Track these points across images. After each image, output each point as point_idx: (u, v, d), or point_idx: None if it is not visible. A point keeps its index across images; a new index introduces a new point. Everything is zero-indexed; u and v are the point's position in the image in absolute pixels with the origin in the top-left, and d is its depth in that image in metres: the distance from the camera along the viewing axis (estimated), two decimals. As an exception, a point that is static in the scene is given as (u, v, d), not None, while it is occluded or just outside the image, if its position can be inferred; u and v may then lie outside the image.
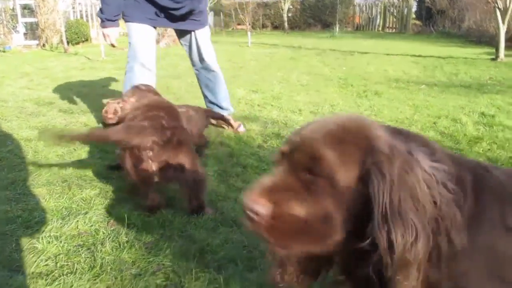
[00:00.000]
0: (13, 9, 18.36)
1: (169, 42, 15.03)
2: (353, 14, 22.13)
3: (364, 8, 22.37)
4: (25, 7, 18.59)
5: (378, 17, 21.04)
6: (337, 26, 19.40)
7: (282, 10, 21.73)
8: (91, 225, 2.54)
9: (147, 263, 2.20)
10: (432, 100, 6.71)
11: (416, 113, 6.03)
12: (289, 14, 22.44)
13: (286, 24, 21.74)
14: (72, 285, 1.97)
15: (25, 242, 2.32)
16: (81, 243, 2.35)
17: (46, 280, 1.99)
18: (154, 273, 2.13)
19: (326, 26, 21.70)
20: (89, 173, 3.46)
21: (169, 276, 2.11)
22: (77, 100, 6.58)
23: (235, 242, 2.55)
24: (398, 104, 6.51)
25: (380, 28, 20.57)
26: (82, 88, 7.63)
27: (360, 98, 6.93)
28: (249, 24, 18.52)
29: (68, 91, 7.40)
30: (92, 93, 7.21)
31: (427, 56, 10.33)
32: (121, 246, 2.32)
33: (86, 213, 2.70)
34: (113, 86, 7.76)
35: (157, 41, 14.92)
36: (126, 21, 4.46)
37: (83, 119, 5.41)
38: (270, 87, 7.65)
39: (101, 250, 2.26)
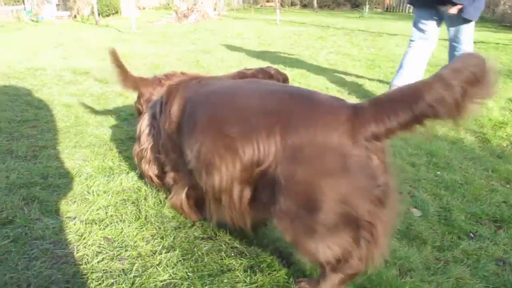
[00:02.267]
0: (46, -20, 18.66)
1: (198, 17, 15.14)
2: (384, -5, 21.84)
3: (395, -11, 22.03)
4: (58, -22, 18.85)
5: (409, -2, 20.73)
6: (367, 6, 19.19)
7: (312, -12, 21.62)
8: (134, 183, 2.78)
9: (185, 218, 2.42)
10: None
11: (442, 95, 6.09)
12: (319, -7, 22.30)
13: (315, 3, 21.57)
14: (122, 231, 2.22)
15: (77, 194, 2.58)
16: (126, 198, 2.59)
17: (99, 226, 2.25)
18: (192, 226, 2.36)
19: (356, 6, 21.45)
20: (127, 136, 3.69)
21: (206, 230, 2.34)
22: (112, 70, 6.82)
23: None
24: (424, 86, 6.57)
25: (411, 10, 20.24)
26: (115, 60, 7.86)
27: (388, 79, 7.00)
28: (278, 2, 18.46)
29: (102, 62, 7.65)
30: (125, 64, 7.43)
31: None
32: (162, 202, 2.55)
33: (128, 172, 2.94)
34: (144, 59, 7.97)
35: (186, 16, 15.10)
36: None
37: (118, 89, 5.64)
38: (298, 64, 7.77)
39: (144, 204, 2.50)
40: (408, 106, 1.48)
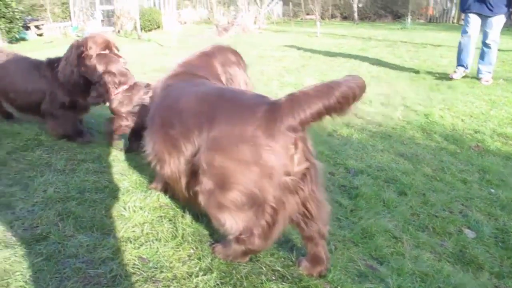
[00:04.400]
0: (92, -3, 19.25)
1: (239, 31, 15.20)
2: (427, 5, 21.24)
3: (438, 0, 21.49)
4: (102, -5, 19.43)
5: (454, 8, 20.12)
6: (409, 17, 18.77)
7: (352, 0, 21.30)
8: (171, 199, 2.68)
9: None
10: (511, 96, 6.41)
11: (492, 109, 5.81)
12: (360, 5, 21.93)
13: (355, 15, 21.27)
14: (158, 251, 2.11)
15: (114, 209, 2.50)
16: (163, 214, 2.49)
17: (134, 244, 2.15)
18: (231, 246, 2.23)
19: (397, 17, 21.04)
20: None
21: (245, 250, 2.20)
22: (153, 83, 6.85)
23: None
24: (473, 99, 6.29)
25: (455, 20, 19.65)
26: (155, 73, 7.92)
27: (432, 92, 6.75)
28: (318, 14, 18.34)
29: (142, 75, 7.71)
30: (165, 77, 7.46)
31: (506, 50, 9.81)
32: (199, 219, 2.44)
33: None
34: (185, 72, 7.98)
35: (226, 30, 15.18)
36: None
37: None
38: (339, 76, 7.55)
39: (181, 222, 2.39)
40: (321, 101, 1.76)
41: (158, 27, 18.75)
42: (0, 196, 2.62)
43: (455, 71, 7.53)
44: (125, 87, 3.54)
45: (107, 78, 3.49)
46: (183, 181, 2.19)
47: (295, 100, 1.81)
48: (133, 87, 3.57)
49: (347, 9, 23.22)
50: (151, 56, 10.53)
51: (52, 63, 3.82)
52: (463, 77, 7.49)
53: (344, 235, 2.67)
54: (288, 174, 1.83)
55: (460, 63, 7.50)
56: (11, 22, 14.63)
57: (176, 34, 13.04)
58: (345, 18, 23.44)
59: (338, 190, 3.40)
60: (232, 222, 1.94)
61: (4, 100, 4.01)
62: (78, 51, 3.62)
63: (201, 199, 2.01)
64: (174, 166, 2.18)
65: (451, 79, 7.42)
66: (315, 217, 2.00)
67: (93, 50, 3.59)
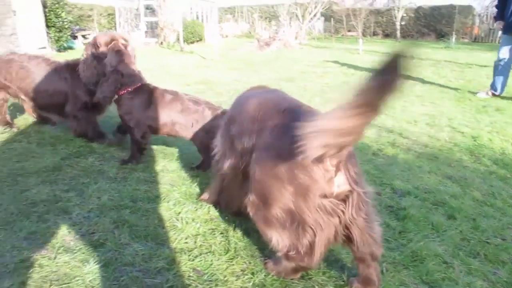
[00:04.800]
0: (137, 9, 19.81)
1: (280, 45, 15.29)
2: (472, 25, 20.88)
3: (484, 19, 21.06)
4: (147, 7, 19.98)
5: (499, 29, 19.74)
6: (453, 36, 18.48)
7: (395, 18, 21.17)
8: (222, 212, 2.70)
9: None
10: None
11: (544, 133, 5.62)
12: (402, 23, 21.77)
13: (398, 33, 21.12)
14: (212, 264, 2.12)
15: (166, 220, 2.54)
16: (214, 227, 2.51)
17: (189, 256, 2.17)
18: (282, 262, 2.22)
19: (441, 36, 20.77)
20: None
21: (297, 266, 2.19)
22: (196, 95, 6.95)
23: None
24: (523, 122, 6.10)
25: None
26: (199, 85, 8.05)
27: (479, 114, 6.58)
28: (360, 31, 18.29)
29: (186, 87, 7.85)
30: (208, 90, 7.57)
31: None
32: (251, 234, 2.44)
33: (215, 200, 2.87)
34: (227, 85, 8.08)
35: (268, 44, 15.29)
36: None
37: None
38: (382, 95, 7.51)
39: (233, 236, 2.41)
40: None
41: (200, 39, 19.08)
42: (58, 201, 2.71)
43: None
44: (129, 89, 3.52)
45: (113, 77, 3.49)
46: (238, 179, 2.25)
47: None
48: (139, 89, 3.55)
49: (389, 26, 23.09)
50: (194, 68, 10.70)
51: (71, 65, 4.05)
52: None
53: (394, 257, 2.62)
54: (325, 196, 1.79)
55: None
56: (60, 31, 15.18)
57: (218, 47, 13.21)
58: (387, 35, 23.31)
59: (385, 211, 3.34)
60: (278, 238, 1.94)
61: (28, 100, 4.22)
62: (92, 51, 3.83)
63: (250, 211, 2.04)
64: (231, 163, 2.27)
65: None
66: (363, 240, 1.95)
67: (102, 47, 3.76)
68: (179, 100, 3.58)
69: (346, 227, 1.90)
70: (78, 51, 15.60)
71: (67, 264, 2.03)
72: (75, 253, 2.13)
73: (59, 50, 15.01)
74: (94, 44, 3.82)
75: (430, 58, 13.08)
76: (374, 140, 4.99)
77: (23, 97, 4.22)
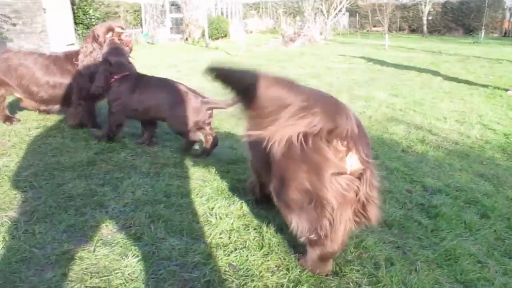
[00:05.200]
0: (162, 6, 19.97)
1: (305, 41, 15.23)
2: (502, 19, 20.38)
3: (515, 13, 20.57)
4: (172, 3, 20.11)
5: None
6: (482, 31, 18.10)
7: (422, 13, 20.83)
8: (253, 208, 2.72)
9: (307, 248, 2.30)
10: None
11: None
12: (429, 17, 21.41)
13: (425, 28, 20.78)
14: (247, 259, 2.15)
15: (200, 215, 2.57)
16: (248, 223, 2.54)
17: (224, 251, 2.20)
18: (316, 259, 2.23)
19: (469, 31, 20.35)
20: (241, 158, 3.67)
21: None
22: (223, 91, 6.98)
23: (387, 242, 2.58)
24: (557, 120, 5.96)
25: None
26: (226, 81, 8.07)
27: (511, 110, 6.45)
28: (386, 27, 18.07)
29: (212, 83, 7.87)
30: (235, 86, 7.58)
31: None
32: (284, 230, 2.46)
33: (246, 195, 2.89)
34: (255, 81, 8.08)
35: (293, 40, 15.24)
36: None
37: (230, 109, 5.72)
38: (410, 92, 7.43)
39: (267, 232, 2.43)
40: None
41: (225, 35, 19.13)
42: (94, 195, 2.77)
43: None
44: (116, 77, 3.77)
45: (102, 67, 3.80)
46: (266, 170, 2.23)
47: None
48: (126, 77, 3.79)
49: (416, 21, 22.75)
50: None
51: (70, 57, 4.28)
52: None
53: (427, 255, 2.60)
54: (339, 173, 1.88)
55: None
56: (87, 28, 15.42)
57: (243, 43, 13.24)
58: (413, 30, 22.97)
59: (416, 209, 3.31)
60: (297, 220, 2.02)
61: (27, 96, 4.35)
62: (91, 42, 4.14)
63: (273, 197, 2.11)
64: (259, 156, 2.29)
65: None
66: (370, 218, 2.04)
67: (101, 38, 4.12)
68: (165, 86, 3.81)
69: (363, 205, 1.98)
70: (105, 48, 15.85)
71: (106, 257, 2.08)
72: (113, 246, 2.18)
73: (86, 46, 15.25)
74: (93, 35, 4.15)
75: (459, 54, 12.88)
76: (403, 137, 4.94)
77: (21, 94, 4.37)
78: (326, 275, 2.10)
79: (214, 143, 3.75)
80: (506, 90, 7.74)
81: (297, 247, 2.33)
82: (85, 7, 15.34)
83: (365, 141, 1.98)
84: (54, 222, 2.43)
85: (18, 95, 4.40)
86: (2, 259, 2.08)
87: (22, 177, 3.07)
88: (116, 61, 3.79)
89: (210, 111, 3.69)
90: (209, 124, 3.73)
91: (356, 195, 1.93)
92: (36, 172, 3.16)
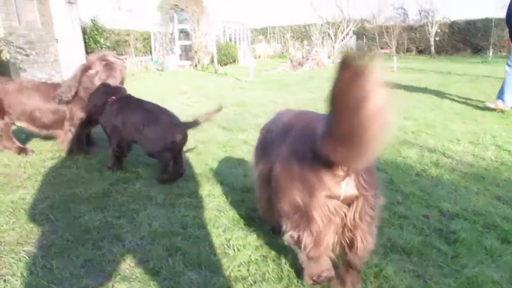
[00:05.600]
0: (171, 33, 20.27)
1: (313, 65, 15.32)
2: (509, 38, 20.39)
3: (522, 32, 20.59)
4: (181, 31, 20.42)
5: (539, 41, 19.25)
6: (490, 50, 18.12)
7: (429, 33, 20.94)
8: (270, 238, 2.70)
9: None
10: None
11: None
12: (436, 38, 21.50)
13: (432, 49, 20.86)
14: (267, 292, 2.12)
15: (217, 246, 2.55)
16: (265, 254, 2.51)
17: (243, 284, 2.18)
18: (336, 291, 2.20)
19: (477, 50, 20.39)
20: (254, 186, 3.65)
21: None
22: (234, 118, 7.03)
23: (407, 271, 2.53)
24: None
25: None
26: (236, 107, 8.12)
27: (525, 131, 6.39)
28: (394, 49, 18.16)
29: (224, 109, 7.92)
30: (246, 112, 7.62)
31: None
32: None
33: (262, 225, 2.87)
34: (263, 106, 8.12)
35: (301, 64, 15.35)
36: None
37: (241, 136, 5.75)
38: (421, 114, 7.41)
39: (285, 263, 2.40)
40: None
41: (234, 61, 19.33)
42: (110, 228, 2.77)
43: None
44: (112, 98, 4.03)
45: (101, 88, 4.09)
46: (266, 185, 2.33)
47: None
48: (118, 99, 4.03)
49: (423, 42, 22.84)
50: (230, 90, 10.82)
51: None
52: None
53: (449, 283, 2.55)
54: (330, 197, 1.93)
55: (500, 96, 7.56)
56: (98, 56, 15.65)
57: (252, 68, 13.34)
58: (420, 51, 23.04)
59: (434, 234, 3.26)
60: (286, 225, 2.11)
61: (29, 122, 4.50)
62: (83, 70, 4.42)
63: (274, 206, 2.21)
64: (261, 169, 2.39)
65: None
66: (358, 247, 2.07)
67: (96, 65, 4.41)
68: (139, 108, 3.91)
69: (350, 230, 2.02)
70: (116, 76, 16.05)
71: (125, 293, 2.07)
72: (132, 281, 2.16)
73: (97, 75, 15.46)
74: (85, 65, 4.44)
75: (468, 74, 12.87)
76: (417, 160, 4.90)
77: (22, 123, 4.54)
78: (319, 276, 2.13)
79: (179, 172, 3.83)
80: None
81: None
82: (96, 36, 15.63)
83: (369, 168, 2.00)
84: (72, 256, 2.43)
85: (19, 124, 4.55)
86: (21, 296, 2.08)
87: (39, 210, 3.09)
88: (113, 83, 4.19)
89: (182, 133, 3.80)
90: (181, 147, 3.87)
91: (341, 219, 1.99)
92: (52, 204, 3.18)
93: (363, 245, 2.07)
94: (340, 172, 1.89)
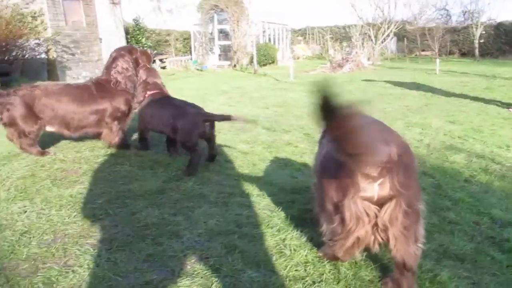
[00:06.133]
0: (211, 33, 20.50)
1: (353, 67, 15.21)
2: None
3: None
4: (221, 31, 20.61)
5: None
6: (539, 54, 17.56)
7: (473, 36, 20.42)
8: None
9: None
10: None
11: None
12: (481, 40, 20.94)
13: (476, 51, 20.33)
14: (328, 293, 2.16)
15: (273, 246, 2.60)
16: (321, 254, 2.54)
17: (303, 284, 2.22)
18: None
19: (524, 53, 19.79)
20: (303, 186, 3.68)
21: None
22: (276, 119, 7.07)
23: (462, 278, 2.51)
24: None
25: None
26: (278, 108, 8.16)
27: None
28: (436, 51, 17.82)
29: (266, 110, 7.99)
30: (288, 113, 7.65)
31: None
32: (358, 264, 2.45)
33: (315, 226, 2.89)
34: (305, 108, 8.13)
35: (340, 66, 15.26)
36: None
37: (286, 138, 5.78)
38: (467, 118, 7.27)
39: (342, 264, 2.42)
40: None
41: (273, 62, 19.38)
42: (167, 224, 2.85)
43: None
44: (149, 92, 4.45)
45: (143, 85, 4.50)
46: None
47: None
48: (154, 94, 4.44)
49: (467, 45, 22.31)
50: (270, 91, 10.87)
51: (99, 83, 4.69)
52: None
53: (506, 293, 2.52)
54: (361, 197, 2.02)
55: None
56: (140, 56, 15.97)
57: (292, 69, 13.35)
58: (463, 54, 22.52)
59: (487, 242, 3.21)
60: (324, 224, 2.30)
61: (62, 125, 4.55)
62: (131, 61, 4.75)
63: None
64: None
65: None
66: (397, 249, 2.11)
67: (144, 60, 4.83)
68: (170, 102, 4.35)
69: (383, 230, 2.09)
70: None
71: (189, 288, 2.14)
72: (194, 277, 2.23)
73: (139, 74, 15.78)
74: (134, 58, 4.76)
75: (515, 78, 12.52)
76: (465, 166, 4.82)
77: (54, 127, 4.57)
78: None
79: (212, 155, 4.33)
80: None
81: (372, 282, 2.32)
82: (138, 36, 15.98)
83: (406, 170, 2.04)
84: (134, 251, 2.52)
85: (50, 128, 4.60)
86: (90, 286, 2.17)
87: (97, 204, 3.21)
88: (153, 81, 4.55)
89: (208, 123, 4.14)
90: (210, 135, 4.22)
91: (370, 219, 2.06)
92: (110, 199, 3.29)
93: (399, 246, 2.11)
94: (373, 173, 1.95)
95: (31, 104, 4.35)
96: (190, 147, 3.98)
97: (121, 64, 4.64)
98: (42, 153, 4.47)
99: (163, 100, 4.37)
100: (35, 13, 12.30)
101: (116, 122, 4.64)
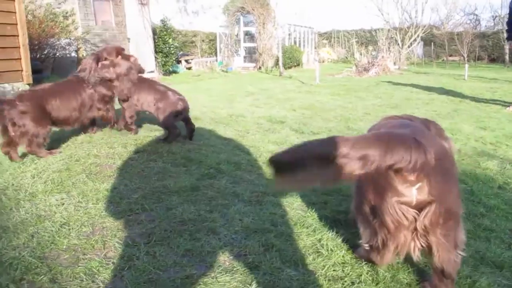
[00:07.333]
0: (237, 35, 20.60)
1: (379, 71, 15.10)
2: None
3: None
4: (247, 33, 20.69)
5: None
6: None
7: (503, 41, 20.03)
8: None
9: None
10: None
11: None
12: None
13: (507, 57, 19.94)
14: (368, 293, 2.15)
15: (309, 246, 2.61)
16: (357, 256, 2.53)
17: (342, 284, 2.22)
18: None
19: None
20: (335, 188, 3.67)
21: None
22: (305, 121, 7.06)
23: (501, 286, 2.48)
24: None
25: None
26: (305, 111, 8.15)
27: None
28: (465, 57, 17.57)
29: (293, 112, 7.99)
30: (315, 116, 7.64)
31: None
32: (396, 266, 2.44)
33: (350, 228, 2.88)
34: (333, 111, 8.11)
35: (366, 70, 15.16)
36: None
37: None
38: (499, 124, 7.14)
39: (379, 267, 2.41)
40: None
41: (298, 64, 19.37)
42: (204, 221, 2.88)
43: None
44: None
45: (126, 78, 4.97)
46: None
47: None
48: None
49: (496, 50, 21.91)
50: (296, 93, 10.87)
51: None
52: None
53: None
54: (399, 201, 2.01)
55: None
56: (167, 56, 16.16)
57: (318, 72, 13.33)
58: (492, 60, 22.13)
59: (525, 251, 3.16)
60: (363, 229, 2.31)
61: (65, 121, 4.75)
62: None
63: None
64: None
65: None
66: (438, 254, 2.10)
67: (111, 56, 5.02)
68: (154, 87, 5.09)
69: (423, 235, 2.08)
70: (182, 75, 16.51)
71: (229, 284, 2.16)
72: (234, 274, 2.25)
73: (164, 74, 15.97)
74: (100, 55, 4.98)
75: (547, 84, 12.26)
76: (498, 173, 4.74)
77: (57, 125, 4.77)
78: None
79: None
80: None
81: (410, 285, 2.30)
82: (165, 37, 16.12)
83: (445, 175, 2.05)
84: (172, 245, 2.56)
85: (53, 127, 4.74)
86: (131, 279, 2.21)
87: (133, 199, 3.25)
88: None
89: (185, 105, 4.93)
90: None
91: (409, 223, 2.05)
92: (145, 195, 3.34)
93: (438, 252, 2.09)
94: (411, 177, 1.95)
95: (43, 106, 4.48)
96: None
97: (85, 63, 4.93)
98: (49, 153, 4.54)
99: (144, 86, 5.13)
100: (66, 12, 12.55)
101: (108, 106, 5.11)
